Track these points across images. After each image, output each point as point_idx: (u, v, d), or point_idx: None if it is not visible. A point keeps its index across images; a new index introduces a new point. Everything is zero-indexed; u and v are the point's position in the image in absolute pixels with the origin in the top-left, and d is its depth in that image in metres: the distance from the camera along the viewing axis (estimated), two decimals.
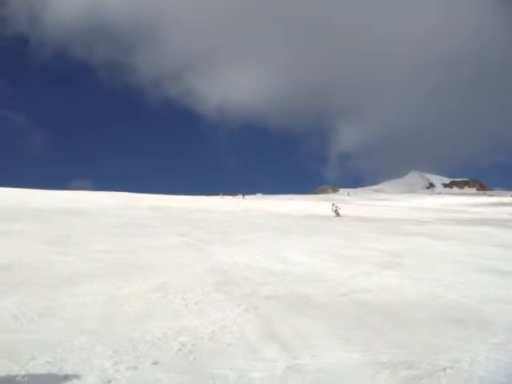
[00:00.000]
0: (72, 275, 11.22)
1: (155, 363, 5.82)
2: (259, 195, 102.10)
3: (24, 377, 5.33)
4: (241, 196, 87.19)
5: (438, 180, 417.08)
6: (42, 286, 10.00)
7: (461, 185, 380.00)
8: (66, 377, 5.32)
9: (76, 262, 13.01)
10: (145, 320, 7.80)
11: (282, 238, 20.82)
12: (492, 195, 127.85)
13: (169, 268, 12.49)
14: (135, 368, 5.64)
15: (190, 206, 47.54)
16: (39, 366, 5.64)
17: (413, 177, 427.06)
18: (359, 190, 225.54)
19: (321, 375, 5.46)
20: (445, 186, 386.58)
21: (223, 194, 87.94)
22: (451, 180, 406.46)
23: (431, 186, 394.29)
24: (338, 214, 40.62)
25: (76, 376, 5.33)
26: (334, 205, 43.09)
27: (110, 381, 5.19)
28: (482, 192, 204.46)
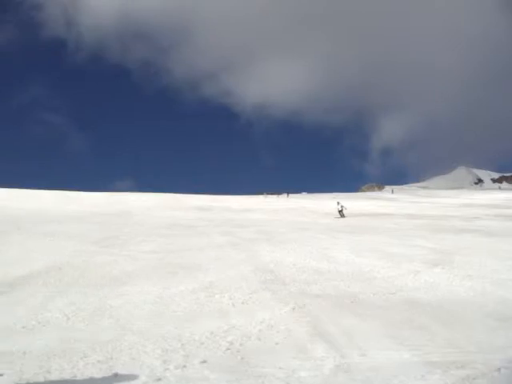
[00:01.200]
0: (121, 275, 11.40)
1: (204, 362, 5.84)
2: (304, 194, 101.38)
3: (75, 375, 5.43)
4: (285, 195, 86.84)
5: (486, 175, 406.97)
6: (92, 287, 10.19)
7: (511, 180, 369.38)
8: (116, 375, 5.39)
9: (124, 262, 13.23)
10: (193, 319, 7.85)
11: (328, 237, 20.68)
12: None
13: (215, 267, 12.56)
14: (184, 367, 5.67)
15: (235, 206, 47.78)
16: (90, 365, 5.74)
17: (460, 172, 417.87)
18: (405, 186, 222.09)
19: (370, 374, 5.38)
20: (494, 181, 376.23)
21: (267, 194, 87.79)
22: (500, 175, 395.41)
23: (479, 181, 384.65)
24: (342, 215, 36.38)
25: (126, 374, 5.39)
26: (338, 204, 38.10)
27: (159, 379, 5.23)
28: None
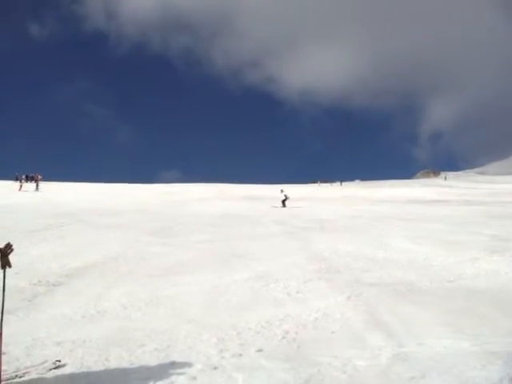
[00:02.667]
0: (175, 265, 11.56)
1: (259, 351, 5.86)
2: (357, 182, 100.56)
3: (133, 363, 5.54)
4: (338, 183, 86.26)
5: None
6: (148, 276, 10.38)
7: None
8: (173, 363, 5.46)
9: (178, 252, 13.41)
10: (248, 308, 7.89)
11: (383, 224, 20.43)
12: None
13: (269, 256, 12.59)
14: (240, 355, 5.70)
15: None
16: (147, 353, 5.83)
17: None
18: (461, 172, 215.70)
19: (429, 364, 5.27)
20: None
21: (320, 182, 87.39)
22: None
23: None
24: (284, 205, 33.56)
25: (183, 363, 5.46)
26: (282, 192, 34.94)
27: (215, 367, 5.28)
28: None
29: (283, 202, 33.85)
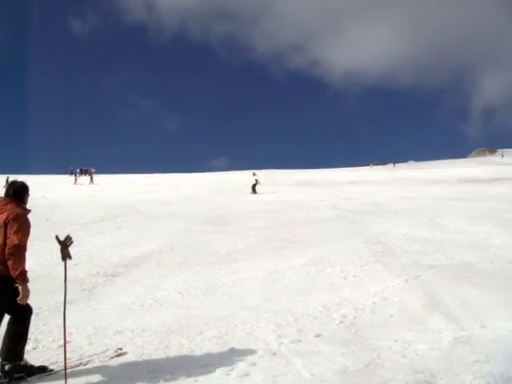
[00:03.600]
0: (230, 253, 11.66)
1: (318, 336, 5.84)
2: (411, 163, 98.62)
3: (193, 350, 5.62)
4: (391, 165, 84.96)
5: None
6: (204, 264, 10.50)
7: None
8: (233, 350, 5.51)
9: (233, 239, 13.50)
10: (305, 294, 7.88)
11: (439, 205, 20.03)
12: None
13: (324, 241, 12.54)
14: (298, 341, 5.70)
15: (339, 179, 47.37)
16: (206, 340, 5.91)
17: None
18: None
19: (493, 346, 5.14)
20: None
21: (373, 164, 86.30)
22: None
23: None
24: (254, 191, 32.02)
25: (242, 349, 5.50)
26: (254, 175, 33.62)
27: (274, 353, 5.29)
28: None
29: (253, 187, 32.22)
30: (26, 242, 4.54)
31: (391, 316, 6.49)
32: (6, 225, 4.48)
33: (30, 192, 5.06)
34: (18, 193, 4.81)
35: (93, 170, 54.90)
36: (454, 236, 12.44)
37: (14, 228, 4.45)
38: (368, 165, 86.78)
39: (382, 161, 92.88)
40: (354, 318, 6.50)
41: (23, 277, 4.44)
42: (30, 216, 4.73)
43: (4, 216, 4.53)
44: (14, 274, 4.39)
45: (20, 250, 4.44)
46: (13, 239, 4.40)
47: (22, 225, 4.52)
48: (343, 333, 5.96)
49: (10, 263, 4.39)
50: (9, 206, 4.62)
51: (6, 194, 4.78)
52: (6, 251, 4.39)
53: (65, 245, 4.80)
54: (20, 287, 4.47)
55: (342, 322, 6.33)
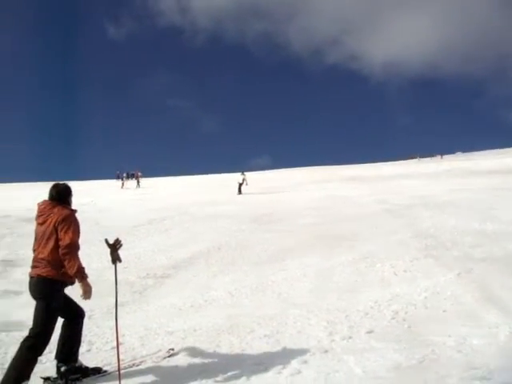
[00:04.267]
0: (279, 251, 11.65)
1: (369, 332, 5.78)
2: (459, 154, 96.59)
3: (244, 349, 5.64)
4: (439, 156, 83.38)
5: None
6: (252, 263, 10.53)
7: None
8: (284, 348, 5.51)
9: (281, 237, 13.50)
10: (355, 290, 7.82)
11: (490, 196, 19.53)
12: None
13: (373, 236, 12.40)
14: (350, 338, 5.65)
15: (385, 173, 46.80)
16: (257, 339, 5.92)
17: None
18: None
19: None
20: None
21: (420, 157, 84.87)
22: None
23: None
24: (239, 191, 31.35)
25: (293, 347, 5.49)
26: (242, 174, 32.78)
27: (326, 351, 5.26)
28: None
29: (240, 185, 31.50)
30: (77, 241, 4.63)
31: (444, 311, 6.37)
32: (56, 228, 4.58)
33: (79, 198, 5.16)
34: (62, 195, 4.90)
35: (139, 174, 55.62)
36: (508, 227, 12.10)
37: (65, 228, 4.55)
38: (415, 157, 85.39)
39: (428, 153, 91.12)
40: (406, 313, 6.41)
41: (81, 273, 4.54)
42: (79, 221, 4.83)
43: (54, 219, 4.62)
44: (71, 272, 4.49)
45: (73, 249, 4.54)
46: (65, 239, 4.50)
47: (71, 224, 4.62)
48: (395, 329, 5.88)
49: (66, 263, 4.50)
50: (56, 209, 4.71)
51: (50, 198, 4.87)
52: (61, 252, 4.50)
53: (114, 248, 4.89)
54: (80, 284, 4.58)
55: (393, 318, 6.25)
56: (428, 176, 38.36)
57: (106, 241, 4.91)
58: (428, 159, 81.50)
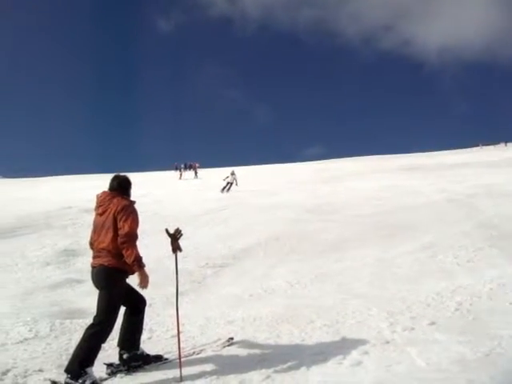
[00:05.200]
0: (338, 241, 11.55)
1: (432, 324, 5.64)
2: None
3: (304, 339, 5.61)
4: (503, 144, 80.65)
5: None
6: (311, 253, 10.48)
7: None
8: (344, 339, 5.44)
9: (339, 227, 13.38)
10: (416, 280, 7.67)
11: None
12: None
13: (433, 226, 12.12)
14: (412, 329, 5.53)
15: (446, 161, 45.65)
16: (317, 329, 5.88)
17: None
18: None
19: None
20: None
21: (482, 145, 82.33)
22: None
23: None
24: (226, 188, 28.77)
25: (353, 337, 5.42)
26: (233, 174, 30.08)
27: (387, 342, 5.16)
28: None
29: (228, 184, 28.99)
30: (136, 230, 4.70)
31: (511, 303, 6.15)
32: (115, 217, 4.66)
33: (138, 189, 5.24)
34: (123, 186, 4.98)
35: (197, 165, 56.20)
36: None
37: (124, 218, 4.62)
38: (477, 145, 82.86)
39: (492, 141, 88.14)
40: (471, 305, 6.22)
41: (139, 262, 4.60)
42: (138, 212, 4.89)
43: (113, 209, 4.71)
44: (129, 261, 4.57)
45: (131, 238, 4.61)
46: (124, 228, 4.58)
47: (130, 214, 4.69)
48: (459, 320, 5.71)
49: (124, 252, 4.58)
50: (115, 200, 4.79)
51: (111, 188, 4.95)
52: (119, 241, 4.58)
53: (175, 237, 4.95)
54: (138, 273, 4.65)
55: (457, 310, 6.08)
56: (491, 164, 37.17)
57: (167, 230, 4.97)
58: (491, 147, 78.96)
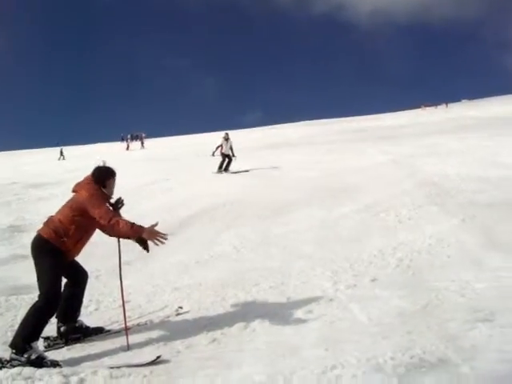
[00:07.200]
0: (283, 204, 11.62)
1: (374, 280, 5.82)
2: (464, 101, 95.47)
3: (249, 302, 5.71)
4: (444, 105, 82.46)
5: None
6: (257, 218, 10.54)
7: None
8: (289, 299, 5.57)
9: (285, 191, 13.46)
10: (359, 239, 7.86)
11: (494, 143, 19.28)
12: None
13: (376, 187, 12.35)
14: (354, 286, 5.70)
15: (390, 124, 46.44)
16: (262, 291, 5.99)
17: None
18: None
19: None
20: None
21: (425, 106, 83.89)
22: None
23: None
24: (223, 168, 19.52)
25: (298, 298, 5.55)
26: (227, 140, 20.03)
27: (331, 299, 5.30)
28: None
29: (224, 159, 19.98)
30: (107, 209, 4.67)
31: (448, 257, 6.41)
32: (79, 202, 4.65)
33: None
34: (97, 176, 4.87)
35: (143, 135, 55.58)
36: (510, 172, 12.03)
37: (92, 203, 4.56)
38: (419, 107, 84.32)
39: (434, 102, 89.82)
40: (411, 260, 6.45)
41: (134, 233, 4.69)
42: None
43: (82, 194, 4.68)
44: (123, 234, 4.75)
45: (109, 215, 4.56)
46: (95, 212, 4.53)
47: (97, 198, 4.65)
48: (400, 276, 5.93)
49: (114, 232, 4.76)
50: (88, 186, 4.75)
51: (91, 175, 4.90)
52: (103, 223, 4.57)
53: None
54: (145, 237, 4.80)
55: (398, 266, 6.30)
56: (431, 125, 37.95)
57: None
58: (433, 108, 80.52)
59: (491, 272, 5.55)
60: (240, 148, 24.73)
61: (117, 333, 5.08)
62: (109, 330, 5.18)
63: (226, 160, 19.82)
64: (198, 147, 36.68)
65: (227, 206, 12.35)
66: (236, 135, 31.70)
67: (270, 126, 71.67)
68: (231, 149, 19.95)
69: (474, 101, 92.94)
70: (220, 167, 19.66)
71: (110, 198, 4.92)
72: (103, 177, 4.90)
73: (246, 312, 5.30)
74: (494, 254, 6.21)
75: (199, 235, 9.68)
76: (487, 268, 5.74)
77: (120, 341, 4.74)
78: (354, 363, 3.66)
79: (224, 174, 18.81)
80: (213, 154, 22.34)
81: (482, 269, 5.73)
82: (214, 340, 4.56)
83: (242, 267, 7.14)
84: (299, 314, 4.96)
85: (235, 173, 18.67)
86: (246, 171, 19.00)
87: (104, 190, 4.83)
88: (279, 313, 5.06)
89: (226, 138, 20.16)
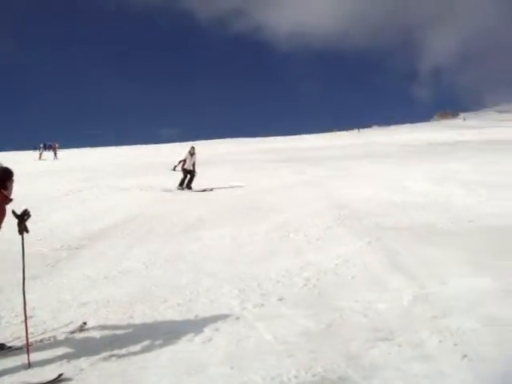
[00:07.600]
0: (195, 221, 11.59)
1: (280, 299, 5.88)
2: (375, 128, 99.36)
3: (157, 319, 5.62)
4: (356, 130, 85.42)
5: None
6: (168, 234, 10.44)
7: None
8: (196, 316, 5.53)
9: (197, 208, 13.46)
10: (268, 259, 7.92)
11: (402, 168, 20.18)
12: None
13: (288, 207, 12.55)
14: (262, 305, 5.73)
15: (303, 146, 47.48)
16: (170, 309, 5.90)
17: None
18: (480, 112, 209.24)
19: (451, 303, 5.23)
20: None
21: (337, 130, 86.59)
22: None
23: None
24: (184, 181, 18.33)
25: (205, 316, 5.52)
26: (193, 154, 18.86)
27: (237, 318, 5.32)
28: None
29: (186, 175, 18.68)
30: None
31: (353, 277, 6.57)
32: None
33: None
34: None
35: (56, 145, 53.90)
36: (416, 198, 12.59)
37: None
38: (332, 131, 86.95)
39: (346, 126, 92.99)
40: (317, 280, 6.56)
41: None
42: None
43: None
44: None
45: None
46: None
47: None
48: (306, 295, 6.02)
49: None
50: None
51: None
52: None
53: (22, 219, 4.76)
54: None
55: (305, 285, 6.38)
56: (343, 149, 39.13)
57: (14, 212, 4.76)
58: (345, 132, 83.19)
59: (393, 292, 5.74)
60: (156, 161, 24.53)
61: (18, 349, 4.85)
62: (10, 347, 4.94)
63: (188, 176, 18.53)
64: (115, 160, 36.05)
65: (139, 220, 12.17)
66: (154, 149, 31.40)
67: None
68: (194, 165, 18.75)
69: (384, 127, 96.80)
70: (181, 184, 18.43)
71: (11, 200, 4.74)
72: (4, 178, 4.72)
73: (153, 329, 5.22)
74: (397, 276, 6.42)
75: (109, 250, 9.45)
76: (389, 289, 5.93)
77: (21, 358, 4.55)
78: (259, 381, 3.69)
79: (184, 191, 17.80)
80: (174, 169, 21.44)
81: (384, 289, 5.91)
82: (119, 357, 4.47)
83: (150, 283, 7.01)
84: (206, 332, 4.94)
85: (200, 191, 17.97)
86: (160, 186, 18.78)
87: (4, 192, 4.64)
88: (186, 330, 5.01)
89: (192, 153, 18.93)
